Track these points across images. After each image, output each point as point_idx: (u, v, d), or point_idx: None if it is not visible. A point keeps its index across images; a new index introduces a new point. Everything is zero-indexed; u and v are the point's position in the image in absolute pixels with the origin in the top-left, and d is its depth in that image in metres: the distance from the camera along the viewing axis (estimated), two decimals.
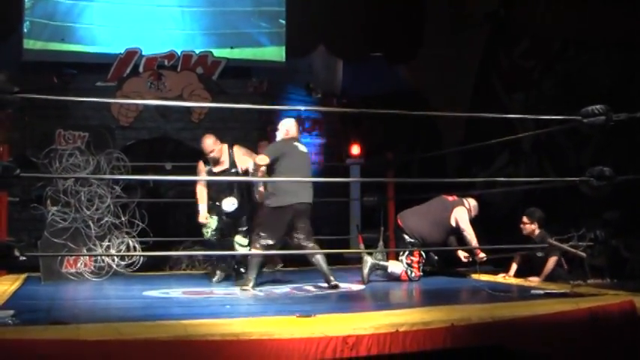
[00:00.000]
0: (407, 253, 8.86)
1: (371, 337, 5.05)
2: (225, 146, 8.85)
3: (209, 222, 8.76)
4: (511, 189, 11.06)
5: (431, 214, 9.06)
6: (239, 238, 8.75)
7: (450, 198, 9.20)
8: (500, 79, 13.40)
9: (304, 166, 8.33)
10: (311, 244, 8.13)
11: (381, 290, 8.32)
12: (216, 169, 8.74)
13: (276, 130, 8.60)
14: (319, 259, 8.09)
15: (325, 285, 8.06)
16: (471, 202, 9.24)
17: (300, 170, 8.20)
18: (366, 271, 8.59)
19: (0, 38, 12.75)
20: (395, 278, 8.87)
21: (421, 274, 8.94)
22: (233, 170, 8.76)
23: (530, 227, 8.79)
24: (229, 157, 8.81)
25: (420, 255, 8.92)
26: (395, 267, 8.93)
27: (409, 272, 8.84)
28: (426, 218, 9.03)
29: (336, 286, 8.02)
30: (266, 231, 8.04)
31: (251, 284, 7.95)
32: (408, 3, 13.96)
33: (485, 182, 12.09)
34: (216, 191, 8.79)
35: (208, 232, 8.80)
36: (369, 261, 8.68)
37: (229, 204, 8.70)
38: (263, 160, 8.06)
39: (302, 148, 8.42)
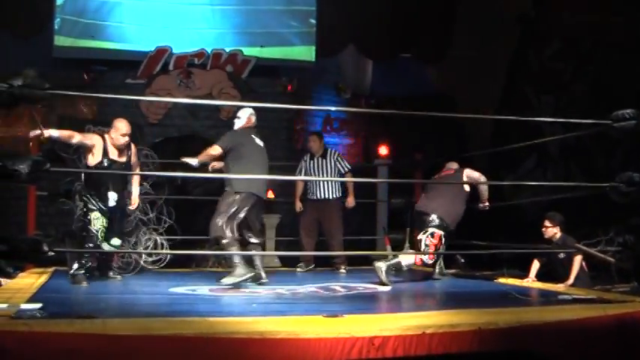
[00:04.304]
0: (428, 233, 8.80)
1: (397, 338, 5.03)
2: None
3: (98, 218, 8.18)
4: (538, 197, 10.98)
5: (448, 192, 9.00)
6: (115, 240, 8.43)
7: (450, 172, 9.24)
8: (529, 81, 13.32)
9: (262, 159, 8.42)
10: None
11: (408, 292, 8.30)
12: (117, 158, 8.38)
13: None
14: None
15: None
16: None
17: (258, 163, 8.27)
18: (383, 277, 8.50)
19: (31, 35, 12.86)
20: (410, 268, 8.88)
21: (435, 258, 8.88)
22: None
23: (552, 231, 8.75)
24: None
25: (440, 240, 8.85)
26: (407, 259, 8.82)
27: (424, 257, 8.77)
28: (446, 197, 8.95)
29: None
30: (233, 213, 8.08)
31: (244, 273, 7.88)
32: (439, 4, 13.92)
33: (513, 186, 12.03)
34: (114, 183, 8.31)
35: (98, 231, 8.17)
36: (382, 266, 8.57)
37: (112, 199, 8.36)
38: (215, 150, 8.16)
39: (259, 141, 8.47)
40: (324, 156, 10.37)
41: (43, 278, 8.25)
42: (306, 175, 10.22)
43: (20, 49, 12.45)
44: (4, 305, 5.58)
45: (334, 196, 10.30)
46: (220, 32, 13.87)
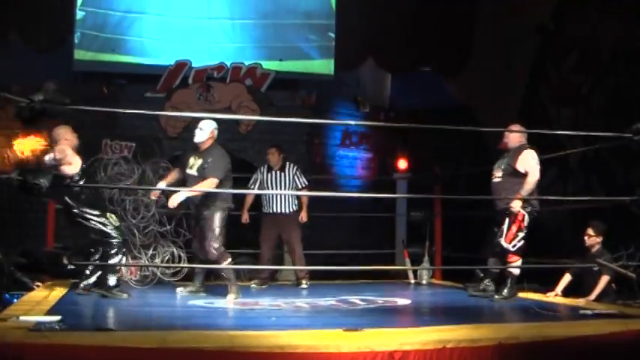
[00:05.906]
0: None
1: (417, 352, 5.00)
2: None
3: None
4: (560, 207, 10.91)
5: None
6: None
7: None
8: (548, 94, 13.25)
9: None
10: None
11: (428, 306, 8.27)
12: None
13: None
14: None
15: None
16: None
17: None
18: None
19: (51, 49, 12.91)
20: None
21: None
22: None
23: (594, 240, 8.67)
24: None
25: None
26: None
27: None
28: None
29: None
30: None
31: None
32: (458, 17, 13.88)
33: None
34: None
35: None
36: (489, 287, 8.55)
37: None
38: (214, 183, 8.36)
39: None
40: (282, 169, 10.23)
41: (62, 291, 8.26)
42: (261, 187, 10.15)
43: (41, 63, 12.49)
44: (23, 317, 5.59)
45: (291, 210, 10.15)
46: (239, 46, 13.87)
